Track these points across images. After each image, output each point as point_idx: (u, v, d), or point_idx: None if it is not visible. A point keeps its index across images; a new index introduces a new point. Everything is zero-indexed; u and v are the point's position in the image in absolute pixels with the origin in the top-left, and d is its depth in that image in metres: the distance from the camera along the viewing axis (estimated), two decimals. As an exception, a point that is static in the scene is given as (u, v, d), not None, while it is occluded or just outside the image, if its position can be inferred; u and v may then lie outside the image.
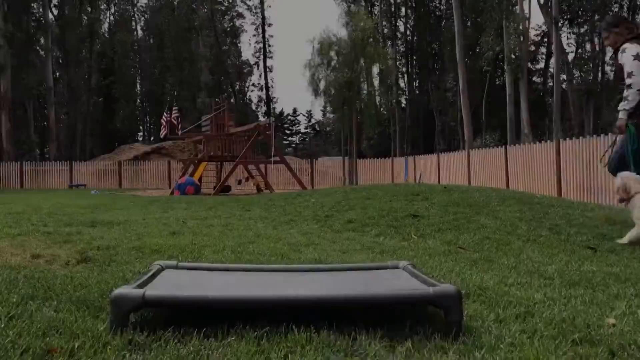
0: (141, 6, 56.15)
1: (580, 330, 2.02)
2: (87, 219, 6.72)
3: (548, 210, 7.09)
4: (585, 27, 41.92)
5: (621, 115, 4.88)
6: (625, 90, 4.84)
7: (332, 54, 26.49)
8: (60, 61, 44.45)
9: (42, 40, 38.49)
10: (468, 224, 6.15)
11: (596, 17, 39.19)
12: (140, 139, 54.32)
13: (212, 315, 2.06)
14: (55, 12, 41.41)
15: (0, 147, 31.21)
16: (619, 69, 5.10)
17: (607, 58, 41.98)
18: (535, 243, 4.98)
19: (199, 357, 1.65)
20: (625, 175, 4.87)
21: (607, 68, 42.46)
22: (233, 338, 1.82)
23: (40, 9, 37.37)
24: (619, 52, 4.96)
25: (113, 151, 36.32)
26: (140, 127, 56.99)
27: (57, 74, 44.64)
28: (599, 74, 40.95)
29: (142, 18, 55.75)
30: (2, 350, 1.64)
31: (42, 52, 39.24)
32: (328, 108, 27.91)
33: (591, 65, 41.44)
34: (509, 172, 14.50)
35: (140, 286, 2.08)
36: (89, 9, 43.88)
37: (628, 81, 4.82)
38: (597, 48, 41.63)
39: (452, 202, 7.90)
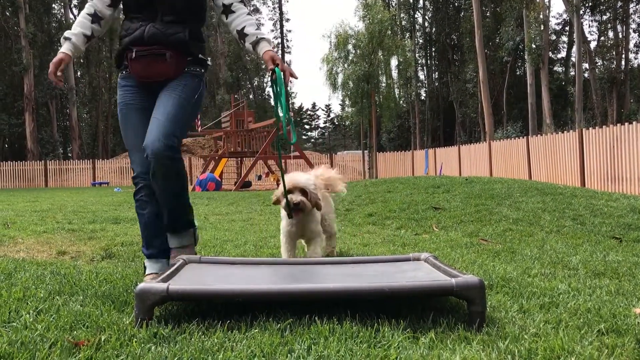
0: (159, 4, 56.56)
1: (606, 321, 2.00)
2: (111, 216, 6.81)
3: (571, 200, 7.00)
4: (608, 14, 41.16)
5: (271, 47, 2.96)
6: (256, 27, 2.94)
7: (350, 47, 26.38)
8: (82, 61, 45.03)
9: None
10: (490, 215, 6.11)
11: (619, 3, 38.46)
12: (161, 136, 54.74)
13: (235, 308, 2.08)
14: (76, 12, 41.92)
15: (25, 147, 31.78)
16: None
17: (632, 45, 41.21)
18: (558, 234, 4.92)
19: (223, 348, 1.67)
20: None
21: (631, 55, 41.69)
22: (256, 330, 1.84)
23: (61, 10, 37.86)
24: None
25: (135, 149, 36.68)
26: (161, 125, 57.45)
27: (79, 73, 45.25)
28: (622, 62, 40.19)
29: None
30: (31, 343, 1.68)
31: (63, 52, 39.74)
32: (347, 102, 27.77)
33: (614, 53, 40.68)
34: (531, 163, 14.34)
35: (164, 280, 2.10)
36: (108, 8, 44.31)
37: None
38: (620, 35, 40.87)
39: (474, 194, 7.85)
